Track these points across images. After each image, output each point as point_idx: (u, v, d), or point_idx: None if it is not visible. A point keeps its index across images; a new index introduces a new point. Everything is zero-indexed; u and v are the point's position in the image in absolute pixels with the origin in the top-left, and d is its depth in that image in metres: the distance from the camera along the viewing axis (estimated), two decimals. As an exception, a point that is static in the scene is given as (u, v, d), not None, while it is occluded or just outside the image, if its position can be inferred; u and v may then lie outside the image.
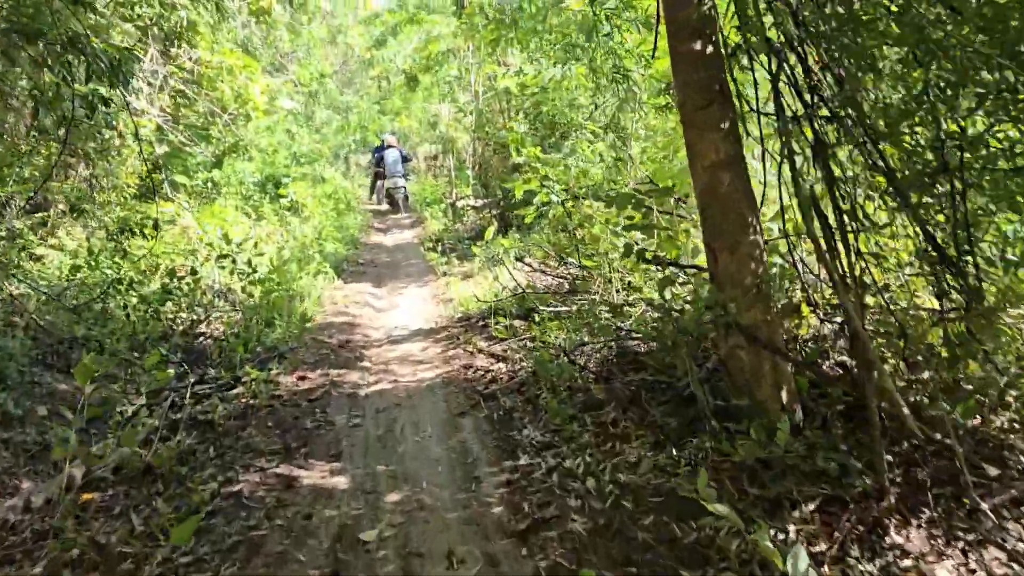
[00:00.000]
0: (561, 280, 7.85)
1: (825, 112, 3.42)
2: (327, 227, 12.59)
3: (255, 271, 8.58)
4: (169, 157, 12.16)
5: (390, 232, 16.21)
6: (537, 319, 6.56)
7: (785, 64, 3.47)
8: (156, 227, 7.52)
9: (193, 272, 8.29)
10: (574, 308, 6.34)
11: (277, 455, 4.50)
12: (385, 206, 20.50)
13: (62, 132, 7.39)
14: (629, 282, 6.21)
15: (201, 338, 7.63)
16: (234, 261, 8.46)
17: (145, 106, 11.03)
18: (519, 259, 9.66)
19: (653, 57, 5.47)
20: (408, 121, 23.60)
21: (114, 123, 9.45)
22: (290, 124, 20.39)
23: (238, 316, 8.12)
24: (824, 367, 4.12)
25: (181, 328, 7.81)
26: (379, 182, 20.74)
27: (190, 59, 12.06)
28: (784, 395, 3.68)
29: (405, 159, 20.71)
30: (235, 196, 15.13)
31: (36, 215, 8.77)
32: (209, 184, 15.28)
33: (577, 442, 4.17)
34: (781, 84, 3.46)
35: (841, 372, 4.04)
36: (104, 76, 6.47)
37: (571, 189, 7.25)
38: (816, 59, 3.37)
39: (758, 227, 3.79)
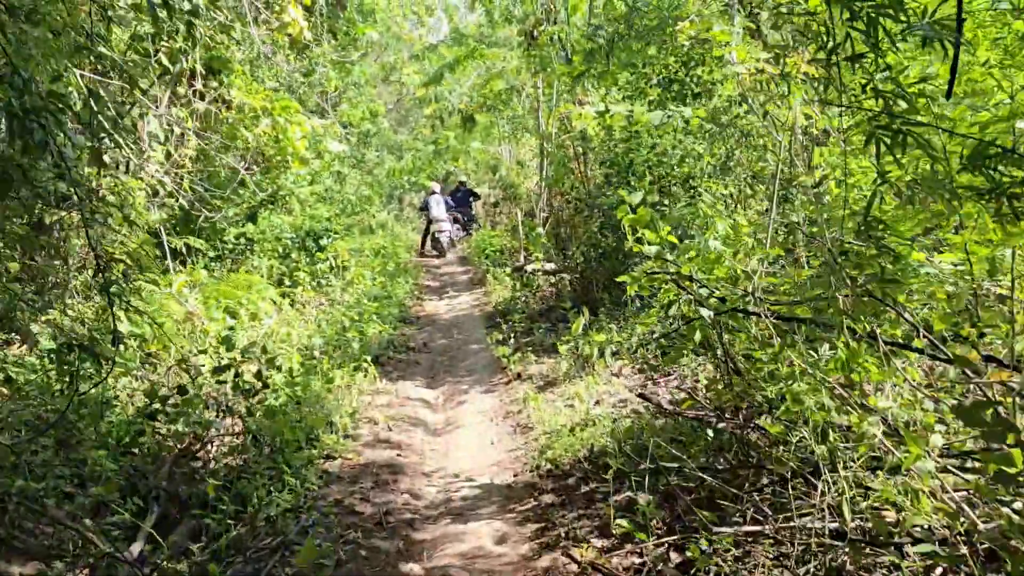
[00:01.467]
0: (707, 416, 5.15)
1: None
2: (370, 306, 10.08)
3: (266, 385, 6.08)
4: (178, 221, 9.80)
5: (445, 295, 13.67)
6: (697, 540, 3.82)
7: None
8: (117, 342, 5.03)
9: (182, 392, 5.83)
10: (766, 526, 3.60)
11: None
12: (435, 253, 19.42)
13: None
14: (867, 489, 3.45)
15: (198, 471, 5.24)
16: (237, 375, 5.95)
17: (153, 159, 8.68)
18: (615, 374, 7.05)
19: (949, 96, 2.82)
20: (465, 164, 21.19)
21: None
22: (338, 167, 18.17)
23: (244, 443, 5.71)
24: None
25: (175, 450, 5.47)
26: (429, 227, 19.51)
27: (210, 98, 9.75)
28: None
29: (464, 200, 20.06)
30: (270, 254, 12.81)
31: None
32: (242, 241, 13.00)
33: None
34: None
35: None
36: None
37: (736, 294, 4.56)
38: None
39: None
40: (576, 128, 12.06)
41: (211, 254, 12.54)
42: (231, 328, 8.28)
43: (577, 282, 9.85)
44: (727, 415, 4.61)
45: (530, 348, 8.58)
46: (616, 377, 7.28)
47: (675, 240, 4.93)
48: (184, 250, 11.03)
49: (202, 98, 10.34)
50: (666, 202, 8.78)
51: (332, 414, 6.58)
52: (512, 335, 8.50)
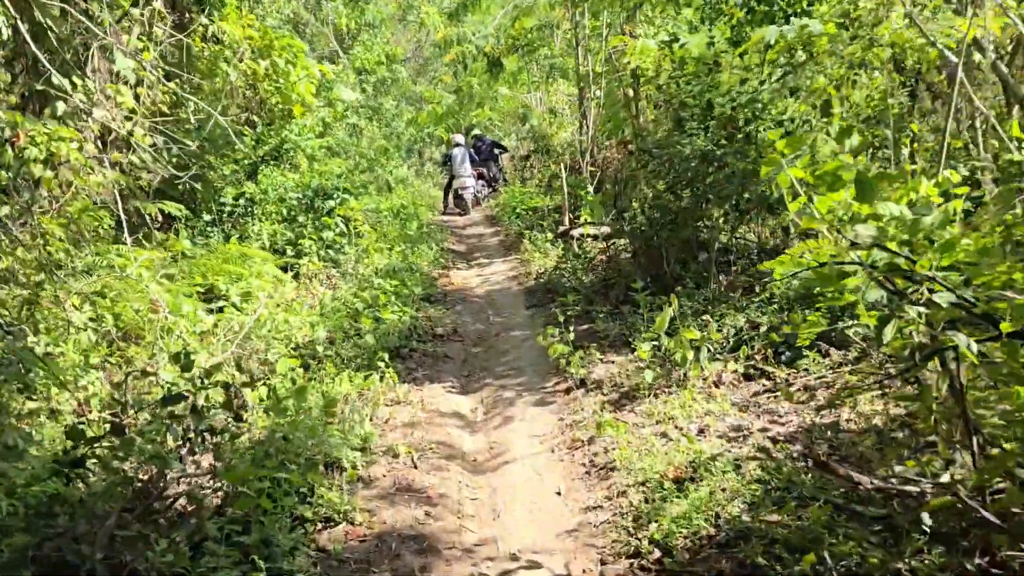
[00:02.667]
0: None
1: None
2: (387, 284, 8.09)
3: (239, 419, 4.18)
4: (145, 181, 7.84)
5: (474, 262, 11.66)
6: None
7: None
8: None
9: (117, 431, 3.98)
10: None
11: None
12: (458, 211, 17.11)
13: None
14: None
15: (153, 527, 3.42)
16: (196, 409, 4.05)
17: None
18: (715, 383, 5.06)
19: None
20: (489, 115, 18.99)
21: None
22: (354, 118, 16.10)
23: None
24: None
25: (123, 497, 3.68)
26: (451, 183, 17.21)
27: (194, 32, 7.66)
28: None
29: (488, 154, 17.65)
30: (273, 217, 10.86)
31: None
32: (242, 203, 11.04)
33: None
34: None
35: None
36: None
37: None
38: None
39: None
40: (628, 67, 9.93)
41: (206, 217, 10.63)
42: (217, 319, 6.37)
43: (642, 252, 7.79)
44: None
45: (591, 341, 6.58)
46: (716, 387, 5.30)
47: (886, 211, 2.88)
48: (165, 217, 9.10)
49: (182, 30, 8.30)
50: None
51: (336, 448, 4.65)
52: (567, 323, 6.51)
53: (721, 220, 7.34)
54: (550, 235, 10.76)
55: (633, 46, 9.55)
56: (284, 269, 9.62)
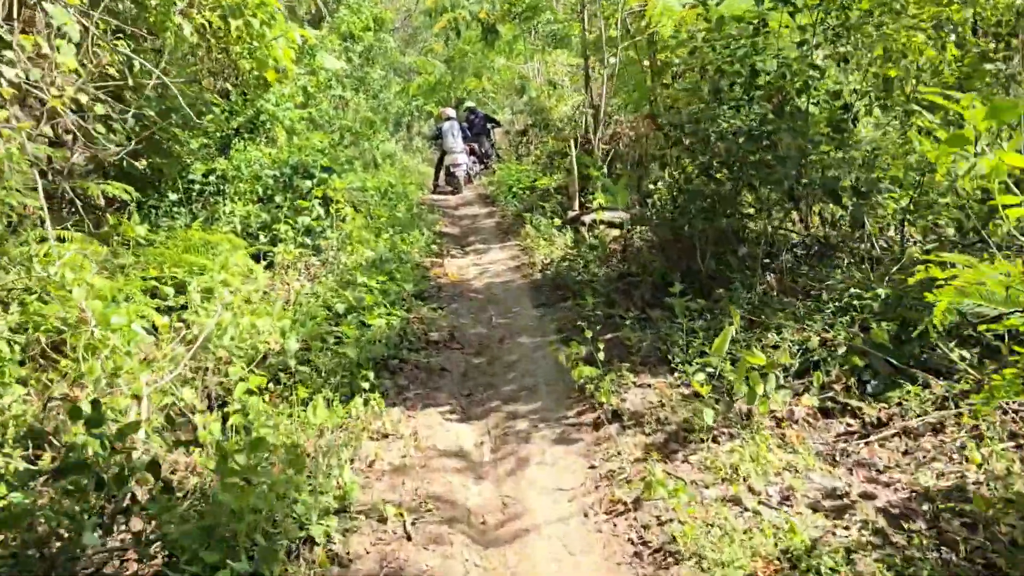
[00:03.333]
0: None
1: None
2: (373, 281, 6.84)
3: (168, 490, 3.01)
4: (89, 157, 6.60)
5: (470, 248, 10.43)
6: None
7: None
8: None
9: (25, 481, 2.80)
10: None
11: None
12: (450, 188, 15.97)
13: None
14: None
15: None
16: (104, 485, 2.86)
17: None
18: (787, 419, 3.92)
19: None
20: (483, 86, 17.65)
21: None
22: (339, 90, 14.76)
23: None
24: None
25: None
26: (443, 159, 15.98)
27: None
28: None
29: (481, 128, 16.59)
30: (247, 197, 9.61)
31: None
32: (212, 180, 9.78)
33: None
34: None
35: None
36: None
37: None
38: None
39: None
40: (646, 31, 8.67)
41: (172, 197, 9.36)
42: (165, 328, 5.17)
43: (670, 244, 6.59)
44: None
45: (620, 356, 5.41)
46: (789, 426, 4.15)
47: None
48: (116, 198, 7.81)
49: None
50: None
51: (305, 515, 3.48)
52: (594, 339, 5.31)
53: (769, 208, 6.15)
54: (556, 220, 9.54)
55: (654, 5, 8.30)
56: (257, 257, 8.39)
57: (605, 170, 8.07)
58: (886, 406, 4.21)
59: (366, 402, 4.90)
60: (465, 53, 19.06)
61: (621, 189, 5.94)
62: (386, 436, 4.69)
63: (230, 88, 10.86)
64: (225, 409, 4.63)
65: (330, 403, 4.96)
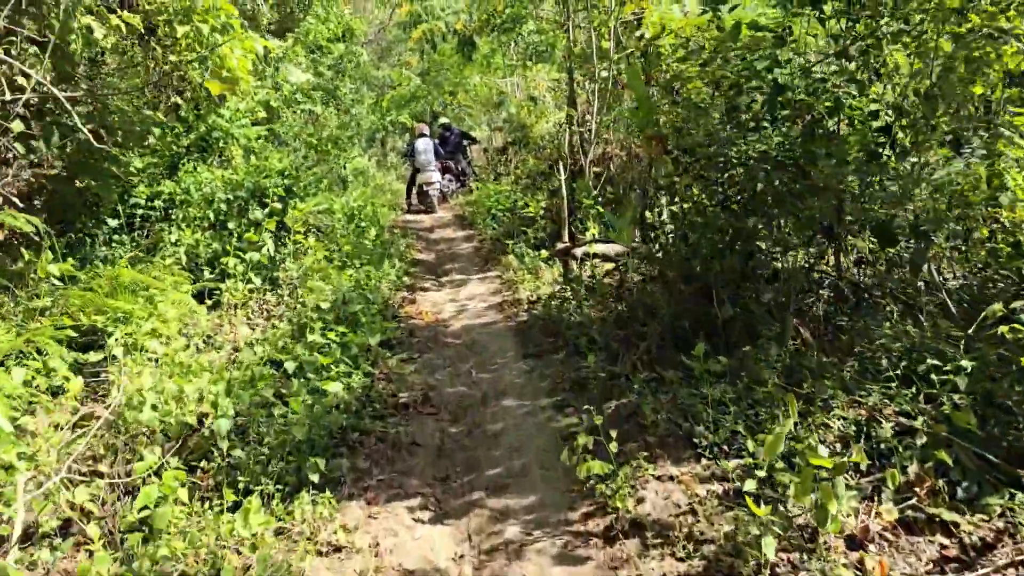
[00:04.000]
0: None
1: None
2: (333, 335, 5.69)
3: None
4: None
5: (446, 279, 9.37)
6: None
7: None
8: None
9: None
10: None
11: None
12: (422, 208, 15.32)
13: None
14: None
15: None
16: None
17: None
18: (861, 539, 2.90)
19: None
20: (463, 100, 16.66)
21: None
22: (308, 103, 13.67)
23: None
24: None
25: None
26: (415, 176, 15.34)
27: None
28: None
29: (456, 145, 15.88)
30: (196, 224, 8.51)
31: None
32: (159, 204, 8.66)
33: None
34: None
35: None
36: None
37: None
38: None
39: None
40: (641, 42, 7.72)
41: (111, 223, 8.25)
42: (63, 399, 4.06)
43: (680, 286, 5.56)
44: None
45: (628, 434, 4.36)
46: (864, 547, 3.13)
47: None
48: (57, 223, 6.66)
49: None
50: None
51: None
52: (590, 406, 4.27)
53: (798, 246, 5.17)
54: (542, 251, 8.49)
55: (651, 13, 7.34)
56: (202, 296, 7.28)
57: (597, 200, 7.06)
58: (986, 518, 3.21)
59: (315, 503, 3.81)
60: (441, 67, 18.06)
61: (625, 224, 4.89)
62: (338, 549, 3.61)
63: (180, 103, 9.77)
64: (127, 518, 3.52)
65: (269, 500, 3.87)
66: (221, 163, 9.74)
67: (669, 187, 5.70)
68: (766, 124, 5.27)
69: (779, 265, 5.28)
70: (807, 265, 5.27)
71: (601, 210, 6.79)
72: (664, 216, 5.78)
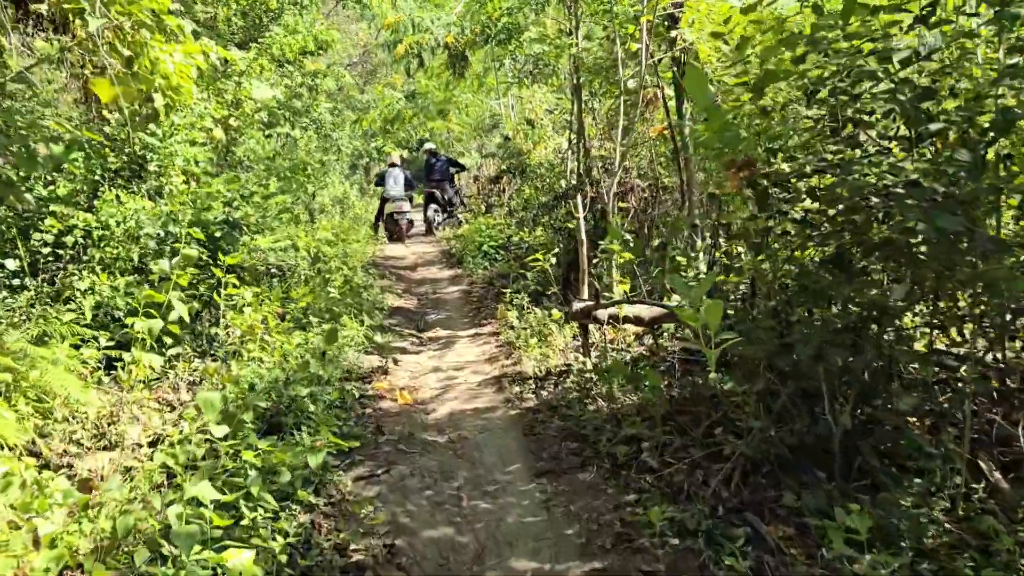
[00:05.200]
0: None
1: None
2: (259, 458, 3.77)
3: None
4: None
5: (427, 335, 7.47)
6: None
7: None
8: None
9: None
10: None
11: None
12: (387, 234, 14.70)
13: None
14: None
15: None
16: None
17: None
18: None
19: None
20: (455, 122, 14.87)
21: None
22: (285, 126, 11.88)
23: None
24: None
25: None
26: (383, 205, 14.95)
27: None
28: None
29: (443, 172, 14.97)
30: (118, 266, 6.62)
31: None
32: (72, 240, 6.73)
33: None
34: None
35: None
36: None
37: None
38: None
39: None
40: (679, 43, 5.96)
41: (10, 265, 6.33)
42: None
43: (769, 377, 3.67)
44: None
45: None
46: None
47: None
48: None
49: None
50: None
51: None
52: (641, 551, 2.39)
53: (978, 334, 3.32)
54: (546, 304, 6.62)
55: (698, 3, 5.56)
56: (111, 365, 5.40)
57: (628, 243, 5.20)
58: None
59: None
60: (428, 90, 16.29)
61: (715, 308, 3.01)
62: None
63: (107, 116, 7.92)
64: None
65: None
66: (156, 192, 7.83)
67: (744, 233, 3.87)
68: (904, 144, 3.45)
69: (937, 360, 3.42)
70: (989, 361, 3.40)
71: (663, 270, 4.91)
72: (746, 275, 3.92)
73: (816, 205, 3.63)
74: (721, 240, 4.18)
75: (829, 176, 3.52)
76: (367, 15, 17.14)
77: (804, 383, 3.56)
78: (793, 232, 3.67)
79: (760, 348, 3.65)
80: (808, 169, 3.55)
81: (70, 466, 4.42)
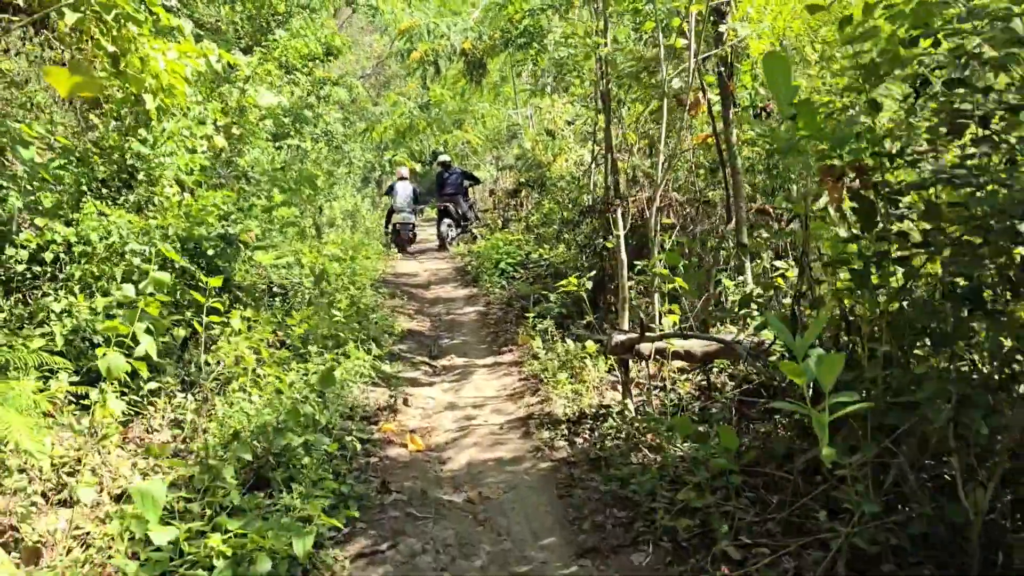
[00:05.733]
0: None
1: None
2: (230, 542, 3.00)
3: None
4: None
5: (443, 361, 6.68)
6: None
7: None
8: None
9: None
10: None
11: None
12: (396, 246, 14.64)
13: None
14: None
15: None
16: None
17: None
18: None
19: None
20: (471, 133, 14.15)
21: None
22: (297, 138, 11.20)
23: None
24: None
25: None
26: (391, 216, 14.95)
27: None
28: None
29: (457, 186, 14.53)
30: (100, 285, 5.88)
31: None
32: (50, 256, 5.95)
33: None
34: None
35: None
36: None
37: None
38: None
39: None
40: (729, 38, 5.18)
41: (-18, 284, 5.59)
42: None
43: (884, 441, 2.86)
44: None
45: None
46: None
47: None
48: None
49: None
50: None
51: None
52: None
53: None
54: (578, 331, 5.83)
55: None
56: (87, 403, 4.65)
57: (679, 269, 4.41)
58: None
59: None
60: (443, 99, 15.58)
61: (832, 363, 2.25)
62: None
63: (96, 121, 7.26)
64: None
65: None
66: (145, 203, 7.09)
67: (844, 259, 3.07)
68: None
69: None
70: None
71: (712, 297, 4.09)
72: (855, 315, 3.10)
73: (937, 224, 2.83)
74: (811, 268, 3.38)
75: (960, 188, 2.72)
76: (380, 25, 16.49)
77: (926, 453, 2.74)
78: (911, 257, 2.86)
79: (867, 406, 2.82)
80: (931, 179, 2.75)
81: (15, 528, 3.67)
